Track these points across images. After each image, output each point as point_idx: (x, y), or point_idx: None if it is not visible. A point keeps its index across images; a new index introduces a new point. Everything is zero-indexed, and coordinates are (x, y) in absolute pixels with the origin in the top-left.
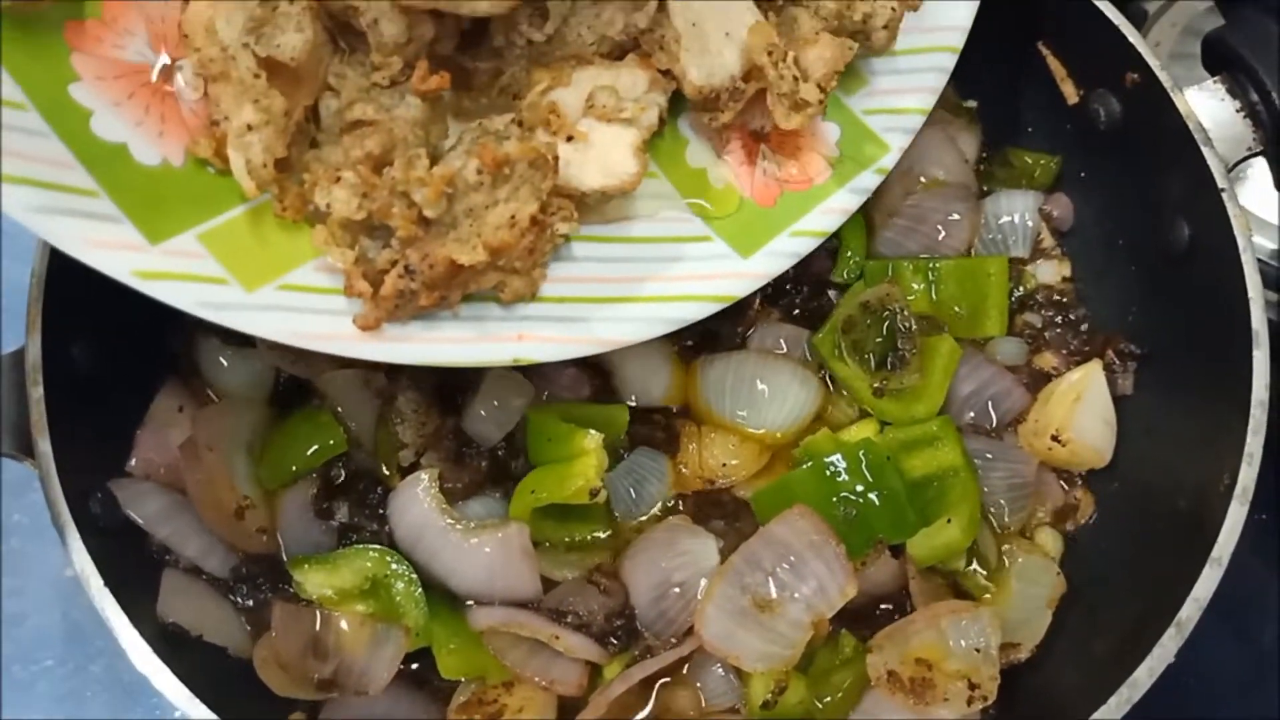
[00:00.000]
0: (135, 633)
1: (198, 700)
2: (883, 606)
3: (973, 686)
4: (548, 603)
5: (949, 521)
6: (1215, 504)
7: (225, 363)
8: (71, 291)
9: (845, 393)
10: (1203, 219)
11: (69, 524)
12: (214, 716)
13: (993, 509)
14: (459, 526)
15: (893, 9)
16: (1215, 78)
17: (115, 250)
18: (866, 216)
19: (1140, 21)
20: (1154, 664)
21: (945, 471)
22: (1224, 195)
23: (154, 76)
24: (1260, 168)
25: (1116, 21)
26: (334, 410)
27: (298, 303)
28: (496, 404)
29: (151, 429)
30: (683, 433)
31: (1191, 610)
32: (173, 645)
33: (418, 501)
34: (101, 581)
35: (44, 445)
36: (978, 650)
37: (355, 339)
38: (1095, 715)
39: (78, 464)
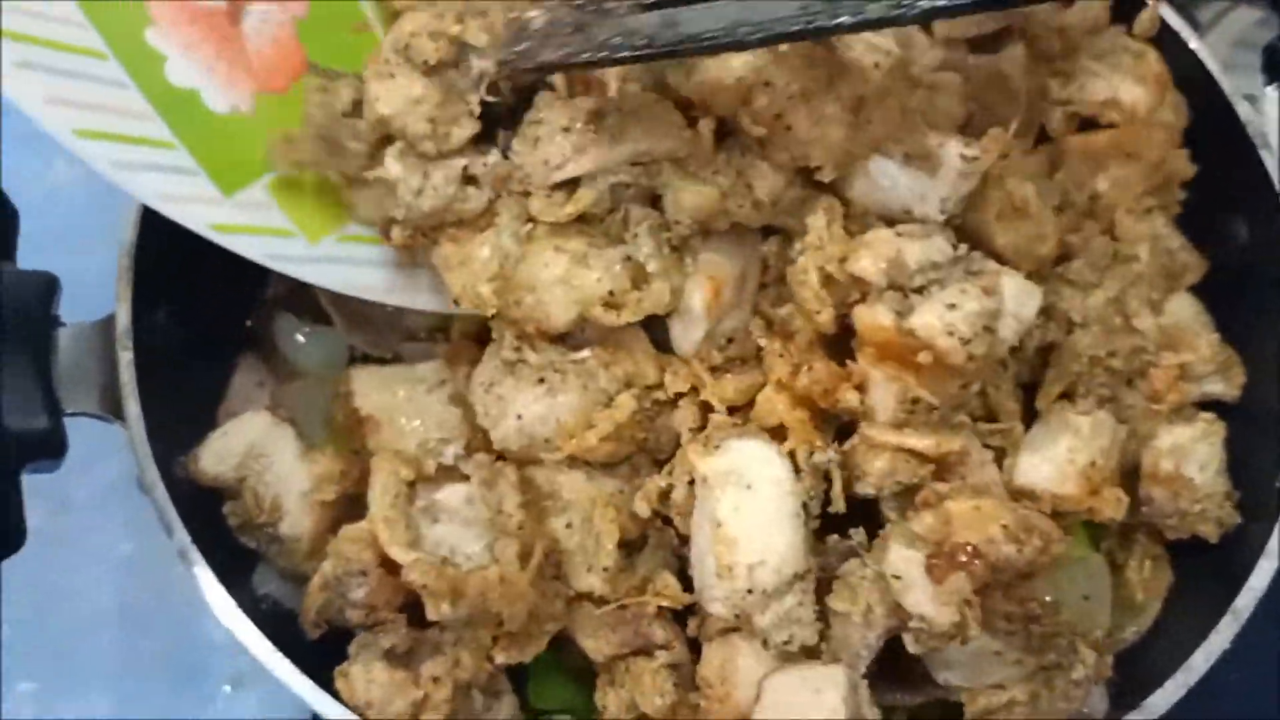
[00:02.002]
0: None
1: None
2: None
3: None
4: None
5: None
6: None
7: (302, 339)
8: (155, 264)
9: None
10: (1262, 221)
11: (157, 482)
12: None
13: None
14: None
15: None
16: (1274, 84)
17: (194, 204)
18: None
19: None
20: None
21: None
22: None
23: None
24: None
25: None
26: None
27: (357, 254)
28: None
29: (232, 404)
30: None
31: (1248, 599)
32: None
33: None
34: (189, 538)
35: (133, 407)
36: None
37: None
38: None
39: (163, 429)
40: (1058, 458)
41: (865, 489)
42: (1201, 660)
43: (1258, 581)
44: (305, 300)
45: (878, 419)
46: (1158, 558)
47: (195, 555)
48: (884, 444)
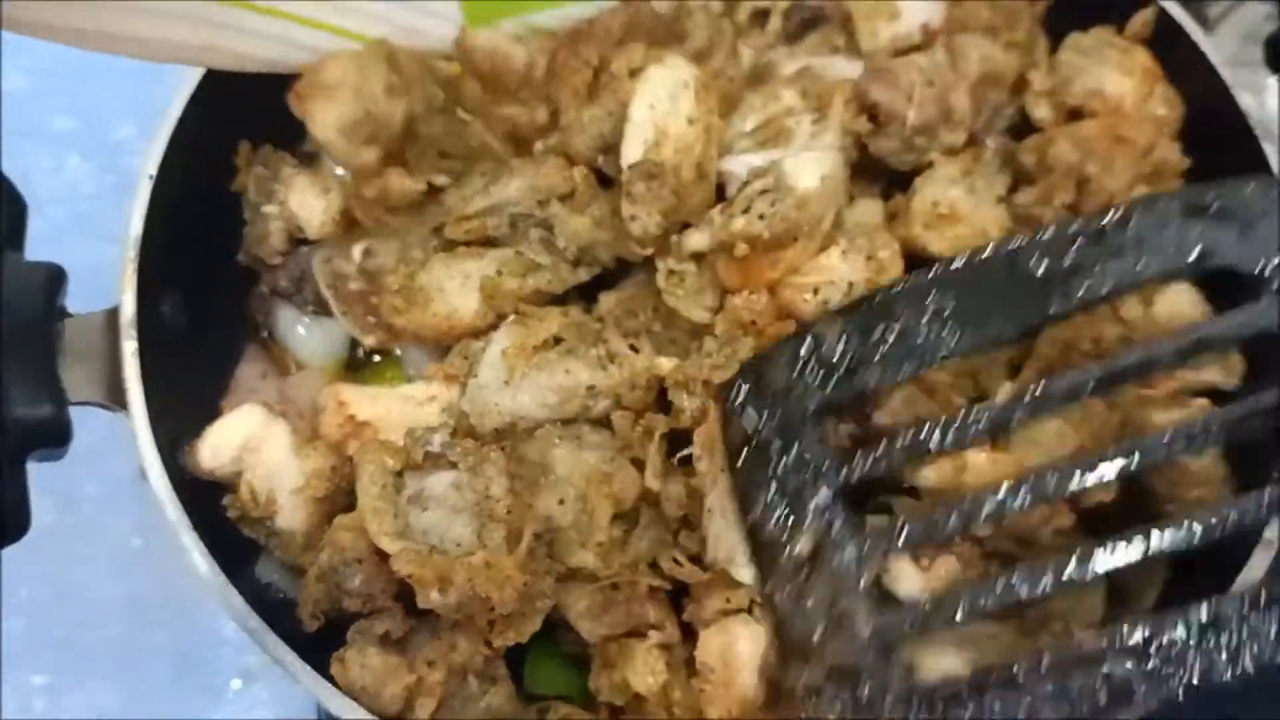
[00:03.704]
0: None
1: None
2: None
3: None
4: None
5: None
6: None
7: (303, 331)
8: (162, 255)
9: None
10: None
11: (158, 473)
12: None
13: None
14: None
15: None
16: (1278, 76)
17: None
18: None
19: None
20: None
21: None
22: None
23: None
24: None
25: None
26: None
27: None
28: None
29: (237, 396)
30: None
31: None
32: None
33: None
34: (189, 526)
35: (136, 397)
36: None
37: None
38: None
39: (167, 420)
40: None
41: None
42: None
43: (1251, 575)
44: (307, 291)
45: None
46: None
47: (194, 543)
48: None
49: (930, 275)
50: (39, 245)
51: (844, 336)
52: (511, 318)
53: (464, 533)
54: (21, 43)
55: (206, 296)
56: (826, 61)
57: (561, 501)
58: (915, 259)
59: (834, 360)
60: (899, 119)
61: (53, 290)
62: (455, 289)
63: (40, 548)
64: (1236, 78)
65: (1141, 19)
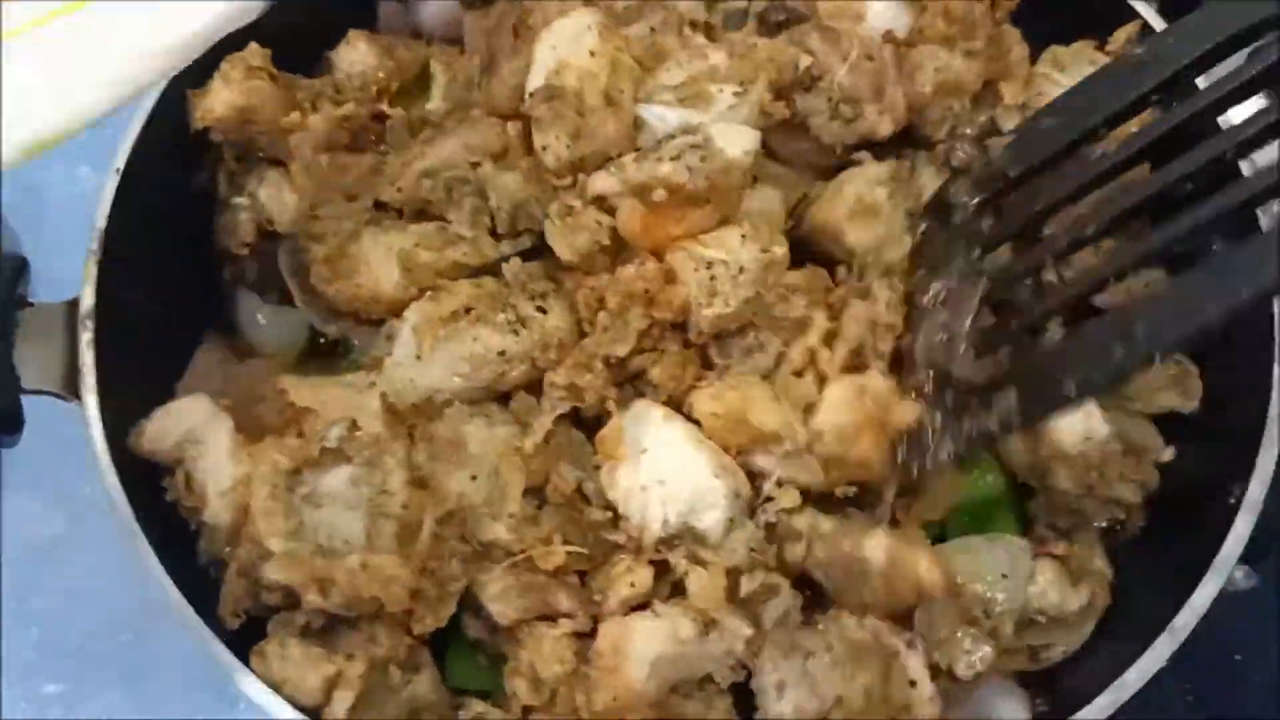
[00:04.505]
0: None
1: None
2: None
3: None
4: None
5: None
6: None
7: (263, 320)
8: (127, 245)
9: None
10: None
11: (107, 463)
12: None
13: None
14: None
15: None
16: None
17: None
18: None
19: None
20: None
21: None
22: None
23: None
24: None
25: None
26: None
27: None
28: None
29: (193, 378)
30: None
31: (1188, 617)
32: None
33: None
34: (132, 513)
35: (89, 388)
36: None
37: None
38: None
39: (123, 407)
40: None
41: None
42: (1135, 678)
43: (1199, 601)
44: (269, 279)
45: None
46: (1098, 572)
47: (135, 528)
48: None
49: None
50: (50, 255)
51: None
52: (426, 293)
53: (354, 530)
54: None
55: (171, 285)
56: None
57: (474, 477)
58: (817, 253)
59: None
60: (829, 74)
61: (14, 280)
62: (378, 261)
63: (52, 557)
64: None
65: (1124, 33)
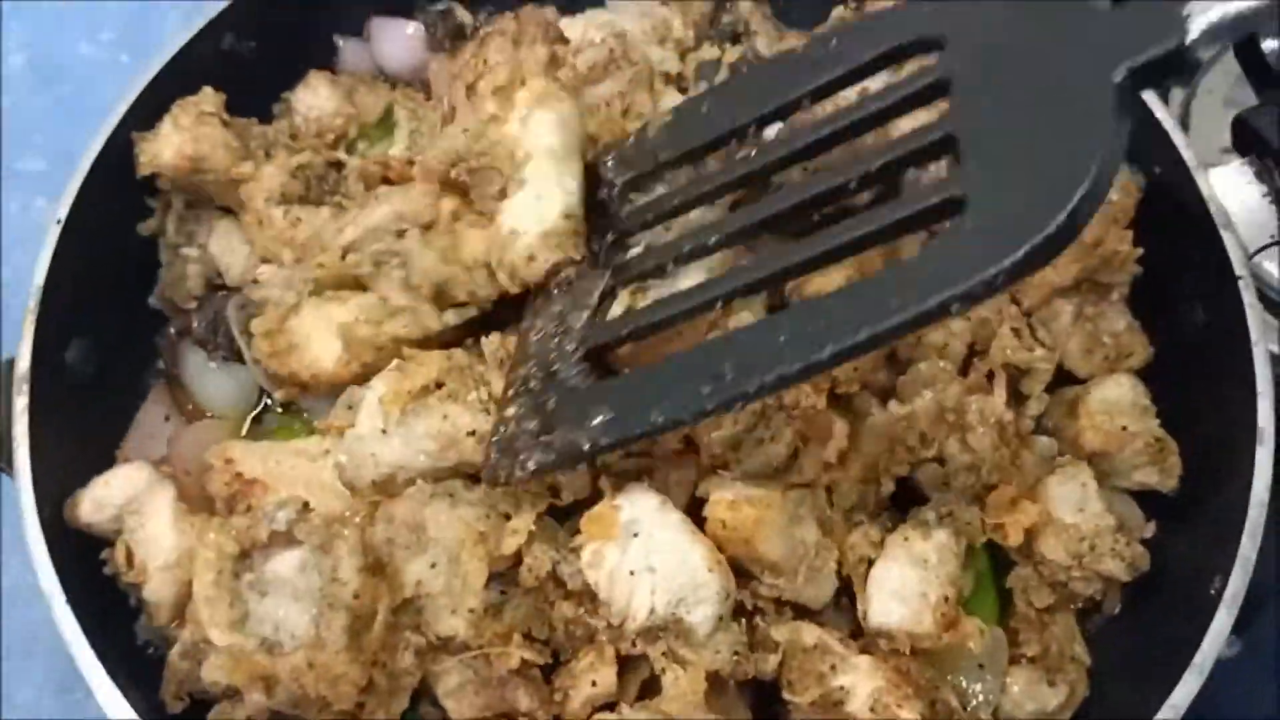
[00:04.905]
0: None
1: None
2: None
3: None
4: None
5: None
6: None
7: (211, 377)
8: (70, 300)
9: None
10: (1218, 306)
11: (38, 539)
12: None
13: None
14: None
15: None
16: (1244, 159)
17: None
18: None
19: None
20: None
21: None
22: (1241, 284)
23: None
24: None
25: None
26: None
27: None
28: None
29: (136, 438)
30: None
31: (1169, 714)
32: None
33: None
34: (65, 598)
35: (22, 457)
36: None
37: None
38: None
39: (59, 473)
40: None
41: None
42: None
43: (1179, 699)
44: (220, 337)
45: None
46: (1077, 659)
47: (62, 603)
48: None
49: None
50: (5, 286)
51: None
52: (394, 363)
53: (302, 622)
54: None
55: (114, 340)
56: None
57: (434, 565)
58: None
59: None
60: None
61: None
62: (319, 336)
63: None
64: (1192, 157)
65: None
